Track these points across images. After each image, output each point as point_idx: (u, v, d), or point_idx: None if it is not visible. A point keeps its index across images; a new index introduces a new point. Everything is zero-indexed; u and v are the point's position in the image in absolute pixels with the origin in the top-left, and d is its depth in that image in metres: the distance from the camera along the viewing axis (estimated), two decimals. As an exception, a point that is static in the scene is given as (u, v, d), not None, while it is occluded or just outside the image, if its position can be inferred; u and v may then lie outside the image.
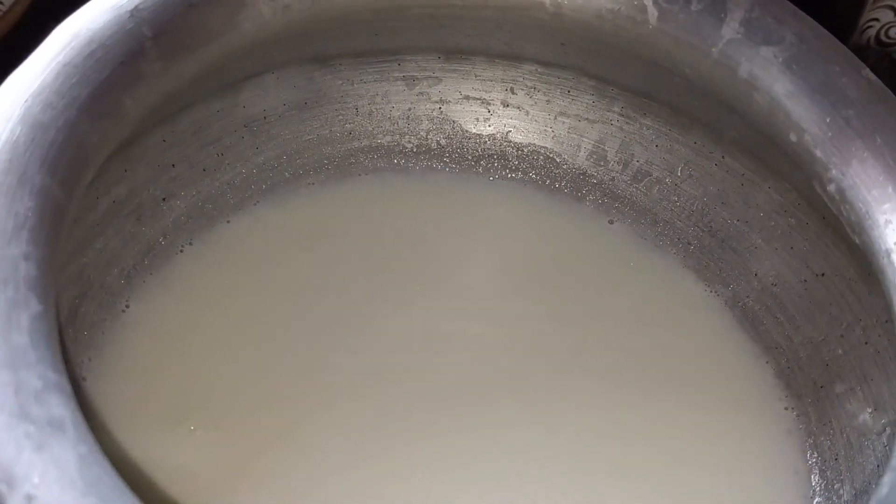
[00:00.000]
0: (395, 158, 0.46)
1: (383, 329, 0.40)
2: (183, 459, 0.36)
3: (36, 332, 0.26)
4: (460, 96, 0.45)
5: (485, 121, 0.46)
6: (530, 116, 0.45)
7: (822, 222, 0.38)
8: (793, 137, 0.33)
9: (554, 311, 0.41)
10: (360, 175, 0.45)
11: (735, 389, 0.39)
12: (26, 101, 0.30)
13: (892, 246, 0.31)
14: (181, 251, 0.42)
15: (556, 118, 0.45)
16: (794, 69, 0.33)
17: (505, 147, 0.46)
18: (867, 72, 0.33)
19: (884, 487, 0.27)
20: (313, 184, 0.44)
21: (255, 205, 0.43)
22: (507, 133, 0.46)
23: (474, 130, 0.46)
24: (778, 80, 0.34)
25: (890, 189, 0.31)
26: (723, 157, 0.42)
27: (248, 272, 0.41)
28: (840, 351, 0.38)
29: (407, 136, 0.46)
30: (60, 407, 0.25)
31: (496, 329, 0.41)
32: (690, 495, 0.36)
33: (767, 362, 0.40)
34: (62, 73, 0.31)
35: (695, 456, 0.37)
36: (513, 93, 0.45)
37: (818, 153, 0.33)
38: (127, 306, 0.40)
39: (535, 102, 0.45)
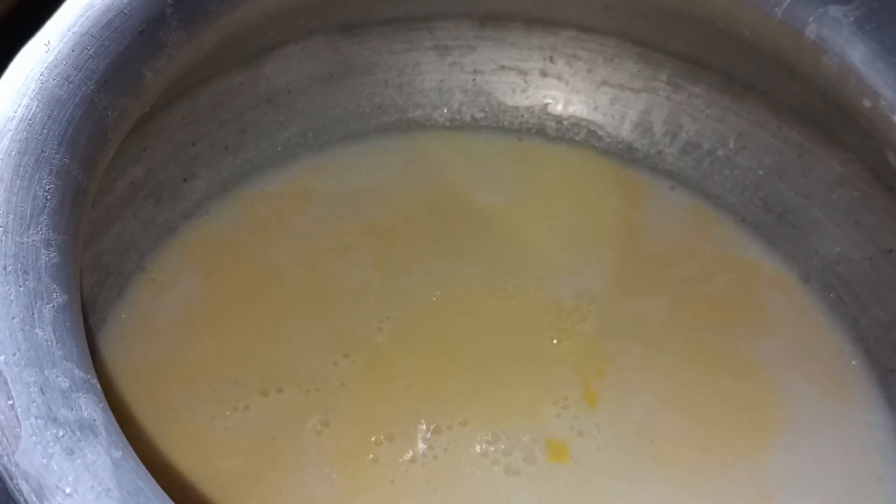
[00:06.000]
0: (426, 133, 0.44)
1: (415, 299, 0.39)
2: (215, 457, 0.34)
3: (60, 325, 0.24)
4: (495, 66, 0.43)
5: (522, 92, 0.44)
6: (570, 87, 0.43)
7: (889, 194, 0.36)
8: (866, 103, 0.31)
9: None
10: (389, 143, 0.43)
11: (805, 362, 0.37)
12: (42, 74, 0.28)
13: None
14: (202, 234, 0.39)
15: (597, 88, 0.43)
16: (867, 29, 0.31)
17: (544, 120, 0.44)
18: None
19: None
20: (340, 158, 0.42)
21: (278, 183, 0.41)
22: (545, 105, 0.44)
23: (510, 103, 0.44)
24: (849, 42, 0.31)
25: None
26: (780, 126, 0.40)
27: (276, 257, 0.39)
28: (910, 332, 0.36)
29: (439, 110, 0.44)
30: (91, 408, 0.23)
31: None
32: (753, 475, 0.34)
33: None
34: (79, 44, 0.29)
35: (760, 434, 0.35)
36: (551, 62, 0.43)
37: (896, 119, 0.30)
38: (147, 296, 0.37)
39: (576, 72, 0.43)
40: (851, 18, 0.31)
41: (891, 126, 0.31)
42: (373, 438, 0.34)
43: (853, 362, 0.38)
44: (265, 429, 0.34)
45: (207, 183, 0.40)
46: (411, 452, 0.34)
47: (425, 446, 0.34)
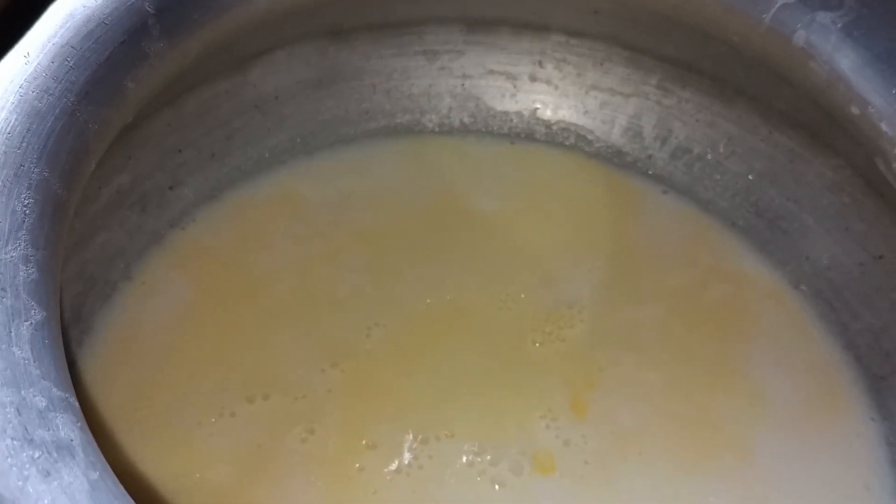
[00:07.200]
0: (416, 138, 0.43)
1: (405, 306, 0.38)
2: (199, 464, 0.34)
3: (39, 343, 0.24)
4: (484, 71, 0.43)
5: (511, 97, 0.43)
6: (560, 91, 0.43)
7: (880, 200, 0.36)
8: (854, 110, 0.31)
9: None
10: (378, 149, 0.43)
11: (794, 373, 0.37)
12: (21, 87, 0.28)
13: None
14: (189, 242, 0.39)
15: (587, 92, 0.43)
16: (855, 36, 0.31)
17: (533, 124, 0.44)
18: (937, 37, 0.30)
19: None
20: (329, 164, 0.42)
21: (266, 190, 0.41)
22: (534, 110, 0.44)
23: (500, 107, 0.44)
24: (838, 49, 0.31)
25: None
26: (770, 131, 0.39)
27: (264, 263, 0.39)
28: (902, 339, 0.36)
29: (428, 115, 0.44)
30: (68, 428, 0.23)
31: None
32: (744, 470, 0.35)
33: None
34: (59, 55, 0.29)
35: (750, 438, 0.35)
36: (541, 66, 0.43)
37: (884, 127, 0.30)
38: (134, 304, 0.37)
39: (565, 76, 0.43)
40: (839, 25, 0.31)
41: (879, 133, 0.30)
42: (358, 447, 0.34)
43: (843, 370, 0.37)
44: (250, 436, 0.34)
45: (194, 190, 0.39)
46: (397, 462, 0.34)
47: (411, 456, 0.34)
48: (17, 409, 0.22)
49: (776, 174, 0.40)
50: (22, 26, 0.29)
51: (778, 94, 0.38)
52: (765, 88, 0.38)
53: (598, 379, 0.36)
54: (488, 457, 0.34)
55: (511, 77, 0.43)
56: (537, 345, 0.37)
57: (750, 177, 0.40)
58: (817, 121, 0.37)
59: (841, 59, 0.31)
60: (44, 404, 0.23)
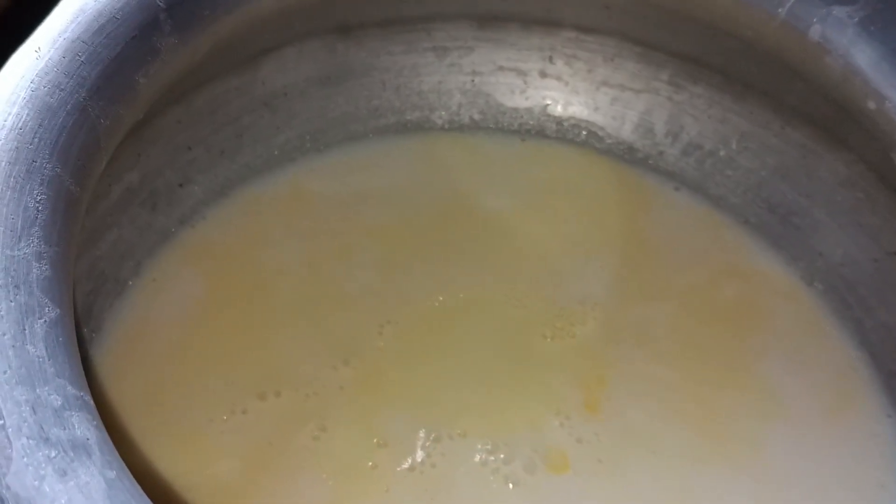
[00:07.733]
0: (425, 135, 0.43)
1: (416, 303, 0.38)
2: (210, 461, 0.33)
3: (53, 340, 0.24)
4: (494, 67, 0.43)
5: (521, 93, 0.43)
6: (570, 87, 0.43)
7: (894, 196, 0.36)
8: (871, 105, 0.31)
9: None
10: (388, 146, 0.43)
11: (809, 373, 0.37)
12: (32, 82, 0.27)
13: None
14: (199, 239, 0.39)
15: (598, 89, 0.43)
16: (871, 30, 0.31)
17: (543, 121, 0.44)
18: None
19: None
20: (338, 161, 0.42)
21: (276, 187, 0.41)
22: (545, 106, 0.43)
23: (510, 104, 0.43)
24: (854, 43, 0.31)
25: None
26: (782, 127, 0.39)
27: (274, 261, 0.39)
28: (917, 336, 0.36)
29: (437, 112, 0.43)
30: (84, 426, 0.22)
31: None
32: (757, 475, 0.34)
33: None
34: (70, 50, 0.28)
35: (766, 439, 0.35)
36: (551, 62, 0.43)
37: (901, 122, 0.30)
38: (145, 302, 0.37)
39: (576, 72, 0.43)
40: (856, 19, 0.31)
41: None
42: (370, 445, 0.34)
43: (858, 367, 0.37)
44: (262, 433, 0.34)
45: (204, 188, 0.39)
46: (409, 460, 0.34)
47: (424, 454, 0.34)
48: (33, 408, 0.22)
49: (789, 170, 0.40)
50: (28, 24, 0.29)
51: (790, 90, 0.38)
52: (777, 84, 0.38)
53: (610, 376, 0.36)
54: (501, 455, 0.34)
55: (521, 73, 0.43)
56: (549, 341, 0.37)
57: (762, 173, 0.40)
58: (830, 116, 0.37)
59: (857, 53, 0.31)
60: (59, 403, 0.23)
